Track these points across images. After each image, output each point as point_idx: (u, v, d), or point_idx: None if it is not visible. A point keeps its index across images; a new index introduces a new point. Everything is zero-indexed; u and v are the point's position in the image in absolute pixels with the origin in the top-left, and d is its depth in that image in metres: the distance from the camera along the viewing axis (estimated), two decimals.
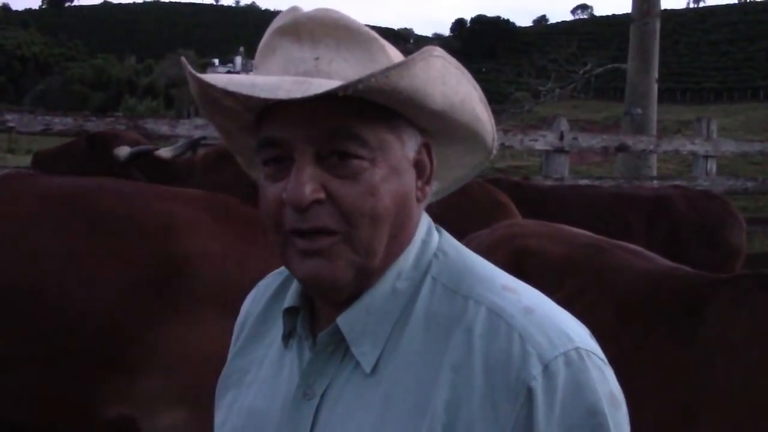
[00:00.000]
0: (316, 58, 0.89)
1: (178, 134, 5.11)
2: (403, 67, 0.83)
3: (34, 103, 50.37)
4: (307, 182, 0.85)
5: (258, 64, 0.94)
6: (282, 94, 0.82)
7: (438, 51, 0.87)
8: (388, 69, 0.82)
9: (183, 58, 1.02)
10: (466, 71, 0.92)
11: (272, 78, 0.87)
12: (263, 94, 0.83)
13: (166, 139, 6.04)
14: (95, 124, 4.91)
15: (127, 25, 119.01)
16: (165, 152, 3.92)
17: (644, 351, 1.99)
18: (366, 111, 0.86)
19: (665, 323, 2.02)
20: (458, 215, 3.24)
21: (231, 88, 0.84)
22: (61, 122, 4.82)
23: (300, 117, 0.86)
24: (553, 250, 2.32)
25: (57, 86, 60.61)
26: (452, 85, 0.89)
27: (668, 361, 1.93)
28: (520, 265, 2.20)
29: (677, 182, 6.79)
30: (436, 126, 0.93)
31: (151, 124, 5.03)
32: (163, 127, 5.03)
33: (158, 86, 59.77)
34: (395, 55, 0.90)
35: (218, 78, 0.87)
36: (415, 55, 0.85)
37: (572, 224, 4.15)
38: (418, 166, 0.93)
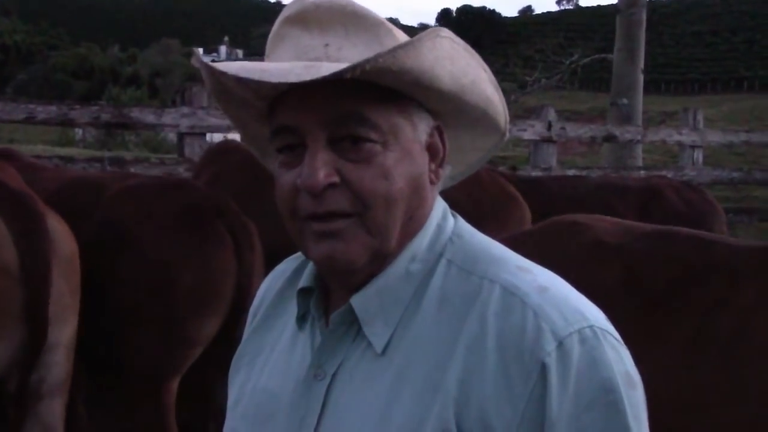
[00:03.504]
0: (326, 45, 0.90)
1: (165, 123, 5.06)
2: (410, 47, 0.83)
3: (16, 92, 49.80)
4: (320, 167, 0.86)
5: (269, 53, 0.95)
6: (293, 78, 0.83)
7: (445, 32, 0.87)
8: (395, 48, 0.82)
9: (195, 49, 1.03)
10: (475, 53, 0.92)
11: (283, 64, 0.88)
12: (273, 79, 0.83)
13: (152, 129, 5.99)
14: (80, 113, 4.85)
15: (110, 13, 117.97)
16: None
17: None
18: (376, 95, 0.86)
19: None
20: (469, 203, 3.27)
21: (242, 74, 0.85)
22: (44, 110, 4.75)
23: (311, 103, 0.86)
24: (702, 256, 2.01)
25: (39, 75, 60.02)
26: (461, 66, 0.89)
27: None
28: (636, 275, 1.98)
29: (664, 172, 6.82)
30: (446, 108, 0.93)
31: (136, 113, 4.97)
32: (149, 116, 4.96)
33: (142, 75, 59.33)
34: (403, 38, 0.90)
35: (229, 66, 0.87)
36: (422, 34, 0.85)
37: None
38: (430, 149, 0.93)
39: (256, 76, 0.84)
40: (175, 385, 2.63)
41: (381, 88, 0.86)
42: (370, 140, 0.87)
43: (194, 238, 2.62)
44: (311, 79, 0.82)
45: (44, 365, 2.27)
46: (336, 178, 0.86)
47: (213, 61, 0.95)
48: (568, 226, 2.25)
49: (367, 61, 0.81)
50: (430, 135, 0.93)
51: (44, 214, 2.31)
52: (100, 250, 2.60)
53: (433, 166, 0.94)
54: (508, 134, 1.01)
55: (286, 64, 0.88)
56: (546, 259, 2.10)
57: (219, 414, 2.82)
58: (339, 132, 0.87)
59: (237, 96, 0.92)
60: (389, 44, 0.87)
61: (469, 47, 0.92)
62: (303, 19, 0.92)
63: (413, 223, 0.92)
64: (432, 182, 0.94)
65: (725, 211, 5.13)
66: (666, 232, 2.16)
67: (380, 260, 0.90)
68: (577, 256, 2.07)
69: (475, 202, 3.40)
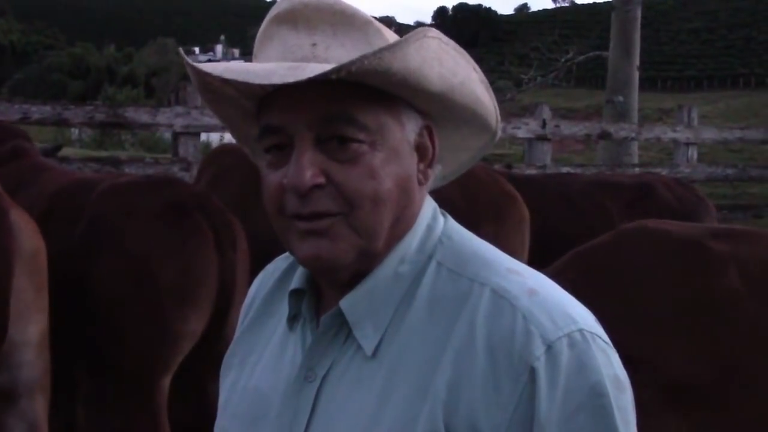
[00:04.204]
0: (313, 45, 0.90)
1: (159, 122, 5.06)
2: (396, 48, 0.82)
3: (12, 92, 49.72)
4: (307, 167, 0.85)
5: (257, 53, 0.95)
6: (276, 80, 0.83)
7: (433, 32, 0.87)
8: (380, 50, 0.81)
9: (181, 49, 1.04)
10: (465, 53, 0.92)
11: (268, 65, 0.87)
12: (258, 80, 0.83)
13: (147, 128, 5.98)
14: (74, 113, 4.85)
15: (106, 13, 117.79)
16: None
17: None
18: (364, 95, 0.86)
19: None
20: (468, 203, 3.27)
21: (227, 75, 0.85)
22: (39, 111, 4.75)
23: (298, 103, 0.86)
24: None
25: (35, 75, 59.91)
26: (450, 67, 0.89)
27: None
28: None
29: (659, 170, 6.84)
30: (436, 108, 0.92)
31: (131, 113, 4.97)
32: (143, 116, 4.96)
33: (138, 75, 59.23)
34: (392, 38, 0.89)
35: (215, 66, 0.87)
36: (408, 35, 0.84)
37: (553, 214, 4.19)
38: (419, 149, 0.93)
39: (240, 78, 0.84)
40: (165, 383, 2.63)
41: (369, 88, 0.85)
42: (357, 140, 0.86)
43: (175, 234, 2.63)
44: (295, 81, 0.81)
45: (14, 365, 2.24)
46: (322, 179, 0.86)
47: (209, 60, 0.94)
48: (649, 234, 2.10)
49: (353, 62, 0.80)
50: (419, 135, 0.92)
51: (7, 209, 2.26)
52: (89, 247, 2.62)
53: (421, 167, 0.93)
54: (500, 133, 1.01)
55: (271, 64, 0.87)
56: (640, 273, 2.06)
57: (212, 413, 2.82)
58: (326, 132, 0.86)
59: (225, 96, 0.92)
60: (378, 44, 0.87)
61: (458, 47, 0.91)
62: (291, 18, 0.91)
63: (402, 224, 0.91)
64: (421, 183, 0.93)
65: (721, 208, 5.16)
66: (752, 233, 2.15)
67: (368, 260, 0.89)
68: (684, 266, 2.01)
69: (474, 201, 3.40)
